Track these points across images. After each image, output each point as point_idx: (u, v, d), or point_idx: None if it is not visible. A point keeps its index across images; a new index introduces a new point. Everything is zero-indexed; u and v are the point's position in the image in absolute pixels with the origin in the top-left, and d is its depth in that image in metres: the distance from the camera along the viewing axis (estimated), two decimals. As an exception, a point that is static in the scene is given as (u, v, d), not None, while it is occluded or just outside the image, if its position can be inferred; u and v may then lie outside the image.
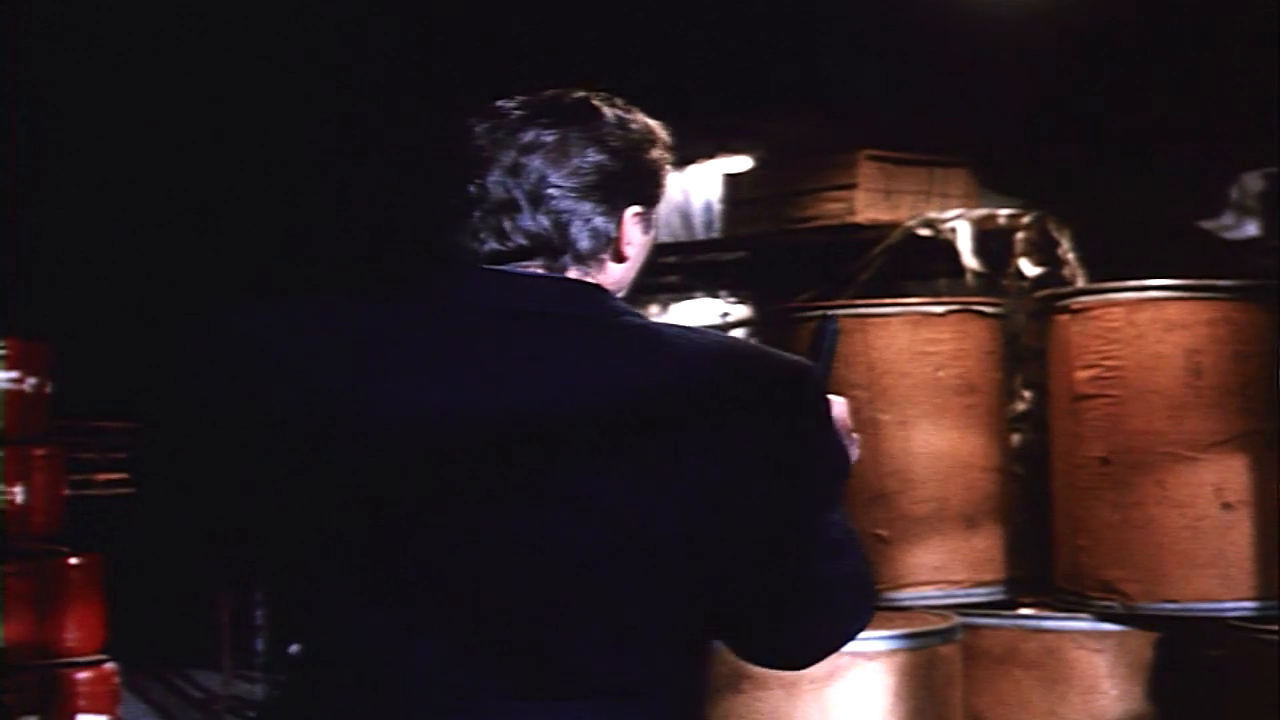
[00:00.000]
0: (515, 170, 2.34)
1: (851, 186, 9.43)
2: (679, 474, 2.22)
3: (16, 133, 9.97)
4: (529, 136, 2.35)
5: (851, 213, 9.39)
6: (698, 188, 10.89)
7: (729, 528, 2.25)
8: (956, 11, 8.43)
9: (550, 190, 2.35)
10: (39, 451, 7.49)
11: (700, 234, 10.87)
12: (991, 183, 9.71)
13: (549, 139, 2.35)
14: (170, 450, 2.41)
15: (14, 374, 7.39)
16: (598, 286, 2.37)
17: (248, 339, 2.33)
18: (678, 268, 10.83)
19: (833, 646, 2.45)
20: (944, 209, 9.05)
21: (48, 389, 7.57)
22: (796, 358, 2.37)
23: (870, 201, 9.41)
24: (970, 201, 9.37)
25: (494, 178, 2.35)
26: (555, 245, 2.36)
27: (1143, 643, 6.40)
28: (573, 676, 2.23)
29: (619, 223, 2.40)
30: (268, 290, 2.58)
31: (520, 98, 2.42)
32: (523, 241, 2.35)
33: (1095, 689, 6.36)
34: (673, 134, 2.48)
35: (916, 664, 5.96)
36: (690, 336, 2.32)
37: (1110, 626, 6.39)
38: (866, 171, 9.45)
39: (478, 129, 2.38)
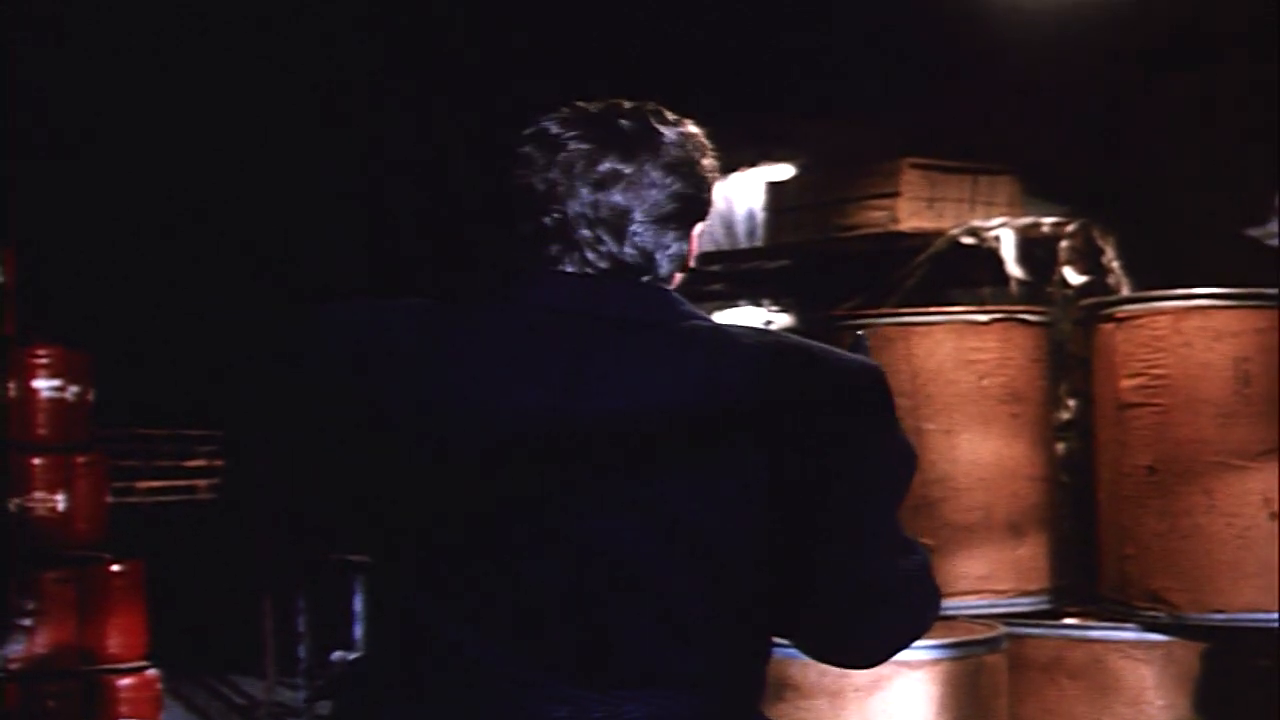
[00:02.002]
0: (596, 205, 2.37)
1: (894, 195, 9.42)
2: (751, 475, 2.25)
3: (58, 142, 10.00)
4: (605, 168, 2.38)
5: (895, 221, 9.37)
6: (741, 196, 10.89)
7: (803, 527, 2.29)
8: (1000, 20, 8.40)
9: (634, 227, 2.38)
10: (81, 459, 7.50)
11: (743, 242, 10.87)
12: (1035, 191, 9.68)
13: (627, 171, 2.38)
14: (272, 436, 2.48)
15: (56, 382, 7.41)
16: (668, 291, 2.41)
17: (341, 335, 2.38)
18: (721, 276, 10.82)
19: (904, 643, 2.48)
20: (988, 217, 9.02)
21: (90, 397, 7.58)
22: (864, 358, 2.40)
23: (913, 210, 9.39)
24: (1014, 209, 9.34)
25: (575, 211, 2.37)
26: (641, 269, 2.40)
27: (1190, 653, 6.35)
28: (637, 668, 2.27)
29: (689, 241, 2.46)
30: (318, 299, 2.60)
31: (571, 117, 2.43)
32: (606, 267, 2.38)
33: (1142, 699, 6.32)
34: (716, 142, 2.50)
35: (961, 673, 5.92)
36: (759, 338, 2.35)
37: (1157, 636, 6.34)
38: (909, 179, 9.43)
39: (544, 158, 2.40)
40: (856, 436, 2.33)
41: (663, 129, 2.42)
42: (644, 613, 2.26)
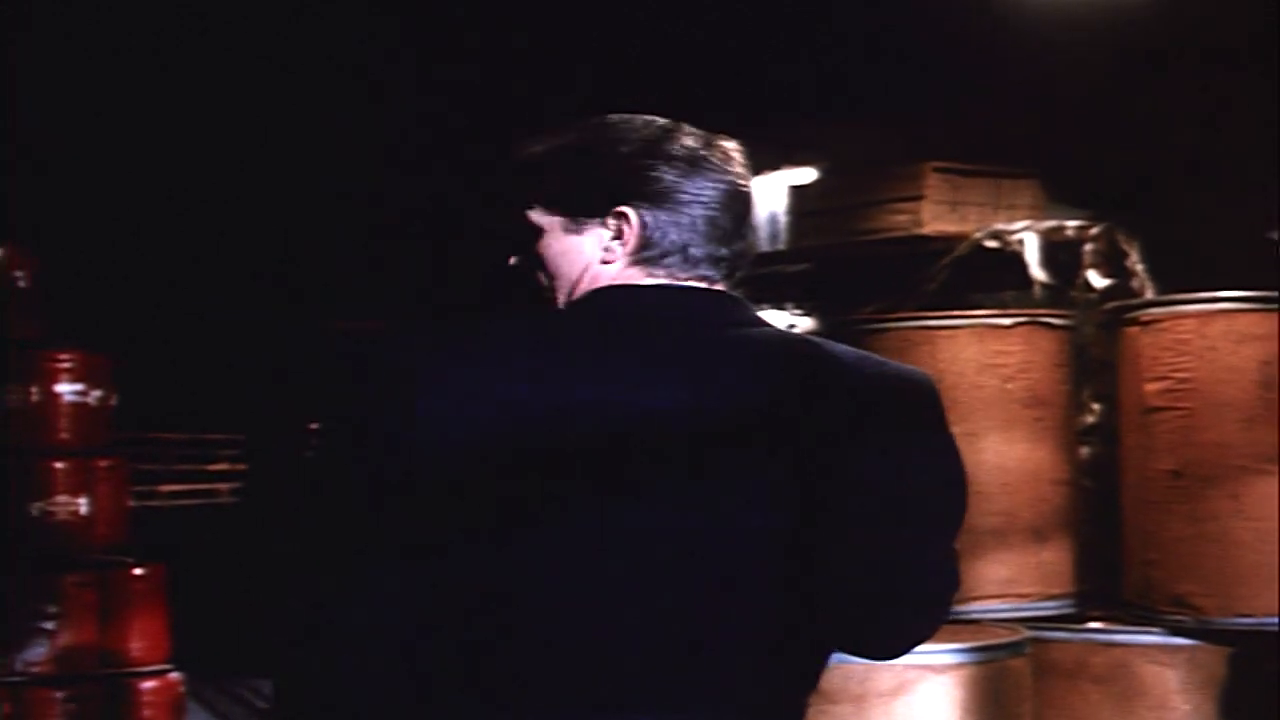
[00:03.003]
0: (707, 206, 2.43)
1: (918, 198, 9.41)
2: (818, 480, 2.27)
3: (76, 145, 10.01)
4: (705, 172, 2.43)
5: (918, 224, 9.37)
6: (763, 200, 10.88)
7: (845, 531, 2.30)
8: (1024, 23, 8.39)
9: (727, 232, 2.44)
10: (103, 463, 7.49)
11: (765, 246, 10.86)
12: (1059, 194, 9.67)
13: (724, 179, 2.45)
14: (350, 461, 2.37)
15: (78, 386, 7.40)
16: (738, 296, 2.46)
17: (409, 357, 2.33)
18: (742, 280, 10.81)
19: (928, 636, 2.49)
20: (1011, 220, 9.00)
21: (112, 401, 7.58)
22: (917, 369, 2.46)
23: (937, 213, 9.38)
24: (1038, 213, 9.32)
25: (680, 208, 2.42)
26: (725, 271, 2.45)
27: (1215, 657, 6.32)
28: (706, 686, 2.27)
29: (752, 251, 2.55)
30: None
31: (664, 125, 2.47)
32: (704, 271, 2.43)
33: (1166, 704, 6.29)
34: (740, 145, 2.56)
35: (985, 678, 5.91)
36: (822, 346, 2.39)
37: (1182, 641, 6.32)
38: (933, 183, 9.42)
39: (641, 158, 2.42)
40: (903, 445, 2.36)
41: (732, 145, 2.51)
42: (714, 627, 2.26)
